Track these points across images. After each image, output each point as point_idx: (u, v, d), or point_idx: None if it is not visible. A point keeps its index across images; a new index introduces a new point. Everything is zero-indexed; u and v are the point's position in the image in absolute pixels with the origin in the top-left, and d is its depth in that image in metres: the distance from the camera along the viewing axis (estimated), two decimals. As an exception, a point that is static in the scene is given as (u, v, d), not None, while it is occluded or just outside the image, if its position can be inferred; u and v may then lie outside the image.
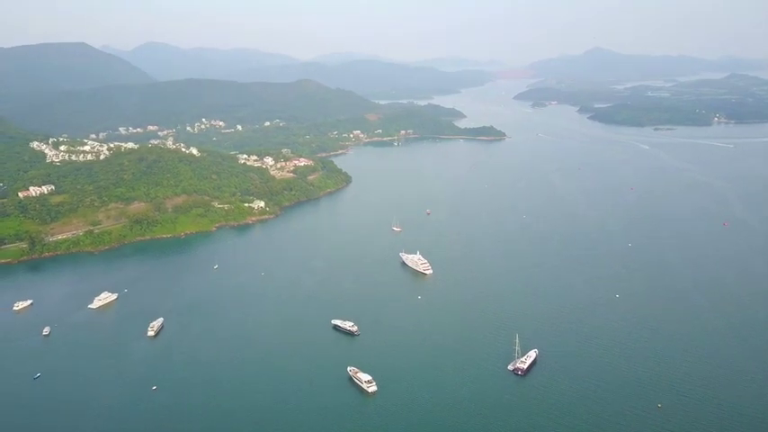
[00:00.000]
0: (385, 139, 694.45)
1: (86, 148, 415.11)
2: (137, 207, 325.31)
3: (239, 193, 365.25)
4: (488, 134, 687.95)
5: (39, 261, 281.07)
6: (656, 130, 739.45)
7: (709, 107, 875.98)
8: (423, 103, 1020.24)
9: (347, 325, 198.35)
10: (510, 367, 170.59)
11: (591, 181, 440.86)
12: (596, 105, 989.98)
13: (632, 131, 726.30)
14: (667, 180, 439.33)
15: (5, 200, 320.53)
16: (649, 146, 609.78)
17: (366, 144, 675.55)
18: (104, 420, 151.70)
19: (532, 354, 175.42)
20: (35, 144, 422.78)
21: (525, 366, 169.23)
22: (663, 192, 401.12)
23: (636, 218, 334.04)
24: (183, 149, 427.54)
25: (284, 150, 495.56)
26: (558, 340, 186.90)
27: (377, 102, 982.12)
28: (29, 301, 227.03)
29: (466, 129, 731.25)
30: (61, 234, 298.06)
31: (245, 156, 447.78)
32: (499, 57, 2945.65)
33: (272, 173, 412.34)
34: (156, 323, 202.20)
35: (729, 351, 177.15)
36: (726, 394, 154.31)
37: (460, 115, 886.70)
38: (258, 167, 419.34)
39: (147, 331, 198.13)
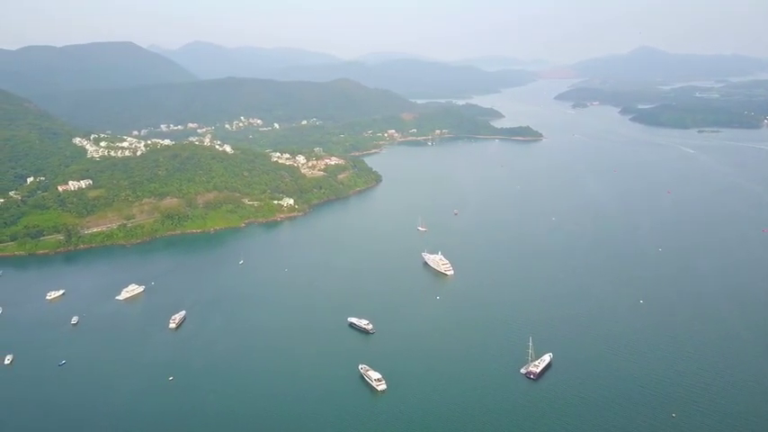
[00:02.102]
0: (419, 138, 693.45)
1: (125, 144, 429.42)
2: (169, 202, 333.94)
3: (269, 191, 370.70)
4: (525, 134, 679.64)
5: (74, 253, 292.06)
6: (700, 132, 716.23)
7: (759, 109, 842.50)
8: (461, 102, 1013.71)
9: (362, 323, 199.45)
10: (522, 370, 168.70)
11: (626, 183, 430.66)
12: (640, 106, 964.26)
13: (675, 133, 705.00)
14: (707, 184, 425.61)
15: (46, 193, 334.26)
16: (691, 148, 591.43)
17: (400, 143, 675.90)
18: (120, 408, 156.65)
19: (546, 357, 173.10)
20: (77, 140, 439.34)
21: (538, 370, 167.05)
22: (701, 196, 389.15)
23: (670, 222, 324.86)
24: (218, 147, 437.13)
25: (316, 149, 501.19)
26: (575, 345, 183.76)
27: (414, 101, 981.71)
28: (61, 291, 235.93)
29: (502, 129, 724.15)
30: (96, 227, 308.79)
31: (277, 154, 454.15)
32: (543, 56, 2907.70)
33: (302, 171, 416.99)
34: (178, 316, 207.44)
35: (754, 363, 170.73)
36: (745, 408, 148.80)
37: (498, 115, 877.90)
38: (289, 166, 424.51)
39: (168, 323, 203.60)
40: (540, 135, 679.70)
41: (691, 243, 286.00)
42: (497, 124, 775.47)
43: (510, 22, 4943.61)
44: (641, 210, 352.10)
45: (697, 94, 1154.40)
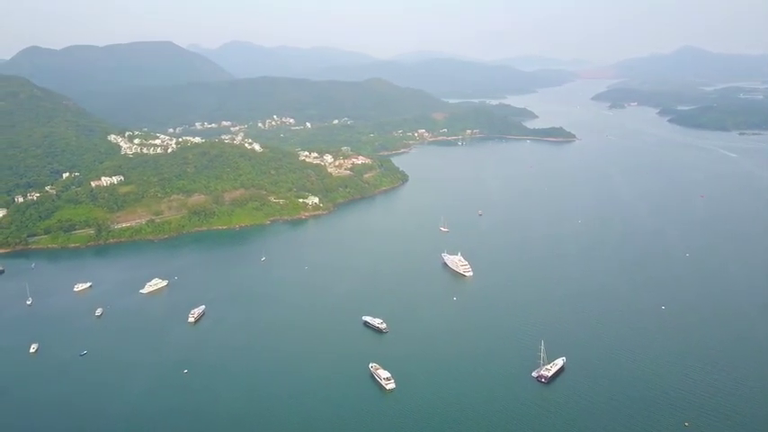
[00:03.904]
0: (450, 138, 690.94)
1: (157, 141, 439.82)
2: (197, 199, 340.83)
3: (295, 189, 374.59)
4: (557, 135, 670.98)
5: (104, 247, 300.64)
6: (741, 134, 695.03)
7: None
8: (495, 102, 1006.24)
9: (376, 322, 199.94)
10: (534, 374, 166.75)
11: (658, 186, 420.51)
12: (679, 107, 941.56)
13: (714, 136, 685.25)
14: (744, 189, 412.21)
15: (79, 188, 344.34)
16: (730, 151, 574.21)
17: (430, 143, 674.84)
18: (135, 398, 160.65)
19: (559, 362, 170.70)
20: (112, 137, 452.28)
21: (550, 374, 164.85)
22: (736, 201, 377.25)
23: (700, 227, 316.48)
24: (247, 145, 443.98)
25: (344, 148, 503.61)
26: (591, 349, 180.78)
27: (447, 101, 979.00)
28: (88, 284, 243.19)
29: (534, 129, 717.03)
30: (126, 222, 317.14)
31: (305, 152, 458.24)
32: (583, 55, 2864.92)
33: (329, 170, 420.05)
34: (198, 310, 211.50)
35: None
36: (763, 421, 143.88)
37: (531, 115, 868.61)
38: (316, 164, 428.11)
39: (188, 318, 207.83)
40: (573, 136, 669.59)
41: (721, 249, 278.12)
42: (530, 125, 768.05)
43: (549, 19, 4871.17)
44: (671, 213, 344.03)
45: (741, 95, 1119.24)
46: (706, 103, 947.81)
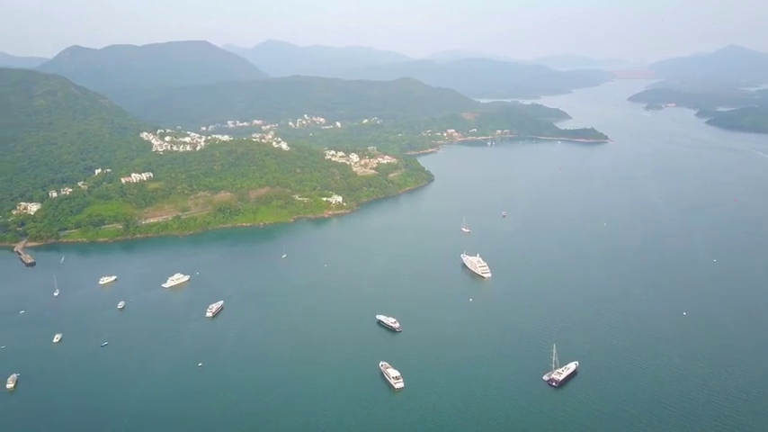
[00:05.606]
0: (479, 138, 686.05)
1: (187, 139, 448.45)
2: (222, 196, 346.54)
3: (319, 188, 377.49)
4: (589, 136, 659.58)
5: (131, 241, 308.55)
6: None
7: None
8: (527, 102, 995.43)
9: (390, 321, 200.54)
10: (545, 377, 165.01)
11: (690, 190, 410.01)
12: (719, 109, 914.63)
13: (754, 138, 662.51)
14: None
15: (110, 184, 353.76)
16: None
17: (459, 143, 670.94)
18: (149, 389, 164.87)
19: (572, 365, 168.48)
20: (144, 134, 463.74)
21: (561, 378, 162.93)
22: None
23: (730, 232, 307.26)
24: (274, 144, 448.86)
25: (370, 148, 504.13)
26: (606, 354, 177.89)
27: (478, 101, 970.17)
28: (113, 277, 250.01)
29: (565, 130, 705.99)
30: (153, 218, 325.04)
31: (332, 152, 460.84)
32: (621, 55, 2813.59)
33: (354, 169, 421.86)
34: (216, 305, 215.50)
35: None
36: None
37: (564, 116, 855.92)
38: (342, 164, 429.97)
39: (206, 312, 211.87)
40: (606, 137, 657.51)
41: (751, 255, 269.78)
42: (562, 125, 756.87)
43: (587, 16, 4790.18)
44: (702, 217, 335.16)
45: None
46: (747, 105, 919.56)
